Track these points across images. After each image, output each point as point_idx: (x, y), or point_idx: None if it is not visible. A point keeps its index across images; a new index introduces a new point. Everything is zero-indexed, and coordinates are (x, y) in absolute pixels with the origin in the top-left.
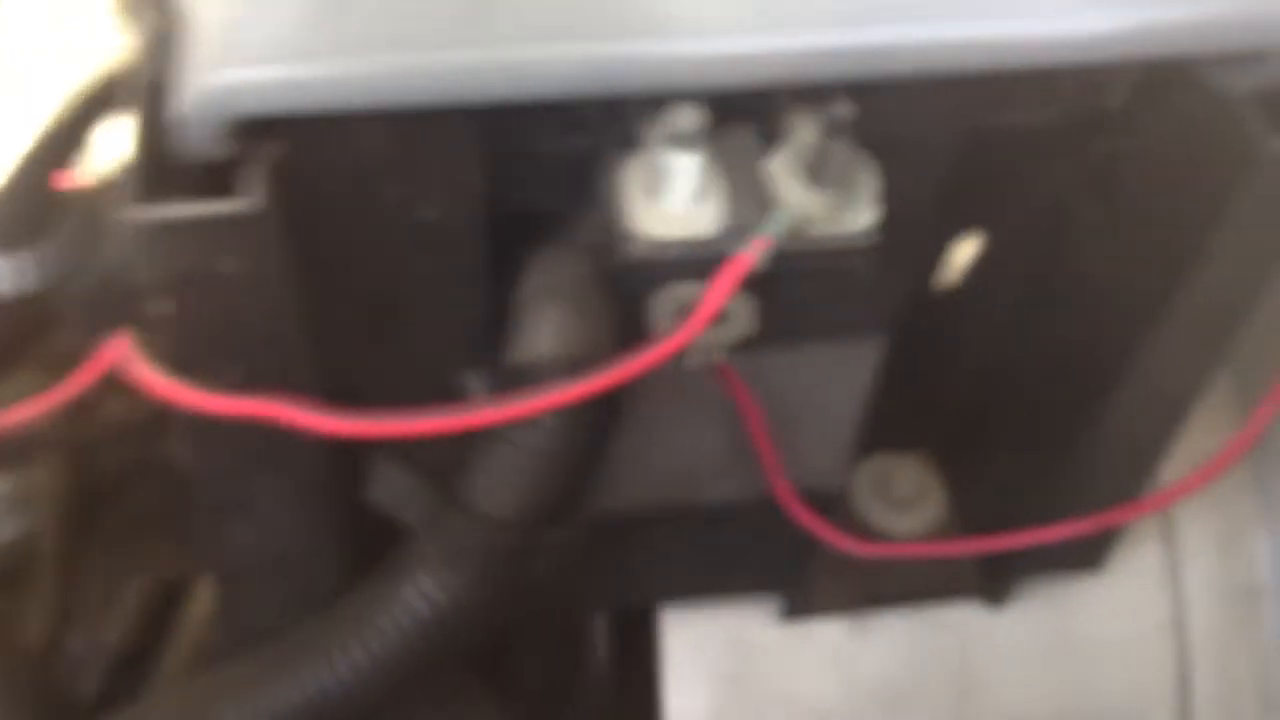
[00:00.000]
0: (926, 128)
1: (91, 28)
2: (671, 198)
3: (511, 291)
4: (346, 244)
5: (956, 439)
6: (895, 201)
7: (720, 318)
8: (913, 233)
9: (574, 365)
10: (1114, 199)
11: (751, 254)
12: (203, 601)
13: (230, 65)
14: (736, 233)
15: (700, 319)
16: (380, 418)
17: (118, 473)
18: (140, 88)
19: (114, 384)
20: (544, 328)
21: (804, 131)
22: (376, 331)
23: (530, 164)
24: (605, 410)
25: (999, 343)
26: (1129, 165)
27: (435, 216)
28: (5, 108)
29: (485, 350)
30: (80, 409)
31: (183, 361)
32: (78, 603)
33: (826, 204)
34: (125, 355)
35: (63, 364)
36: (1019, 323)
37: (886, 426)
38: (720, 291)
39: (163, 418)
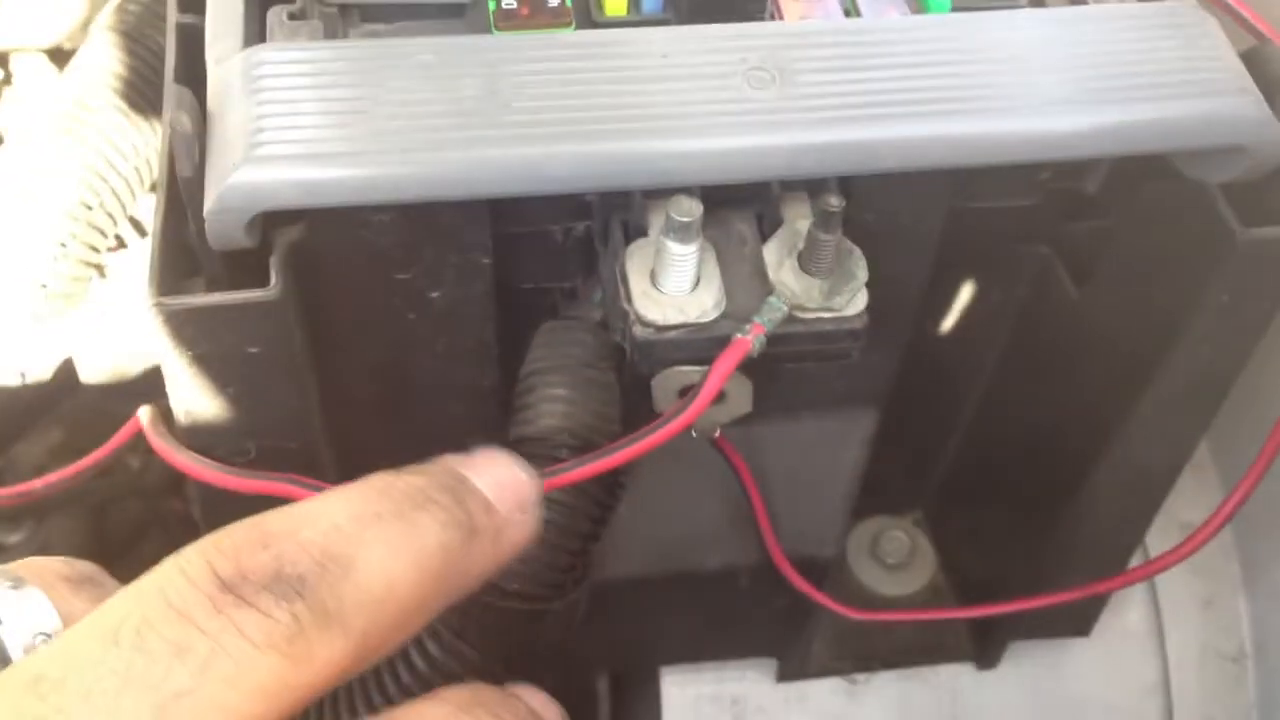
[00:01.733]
0: (913, 214)
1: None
2: (671, 284)
3: (519, 365)
4: (360, 324)
5: (947, 504)
6: (884, 284)
7: (719, 398)
8: (901, 313)
9: (579, 441)
10: (1091, 279)
11: (748, 341)
12: None
13: (253, 165)
14: (734, 318)
15: (700, 404)
16: None
17: (133, 527)
18: (164, 181)
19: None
20: (550, 403)
21: (797, 220)
22: (388, 406)
23: (538, 245)
24: (610, 484)
25: (986, 414)
26: (1106, 247)
27: (446, 297)
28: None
29: (493, 422)
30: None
31: (200, 438)
32: None
33: (819, 290)
34: (147, 426)
35: (85, 422)
36: (1003, 396)
37: (880, 490)
38: (718, 377)
39: (178, 474)
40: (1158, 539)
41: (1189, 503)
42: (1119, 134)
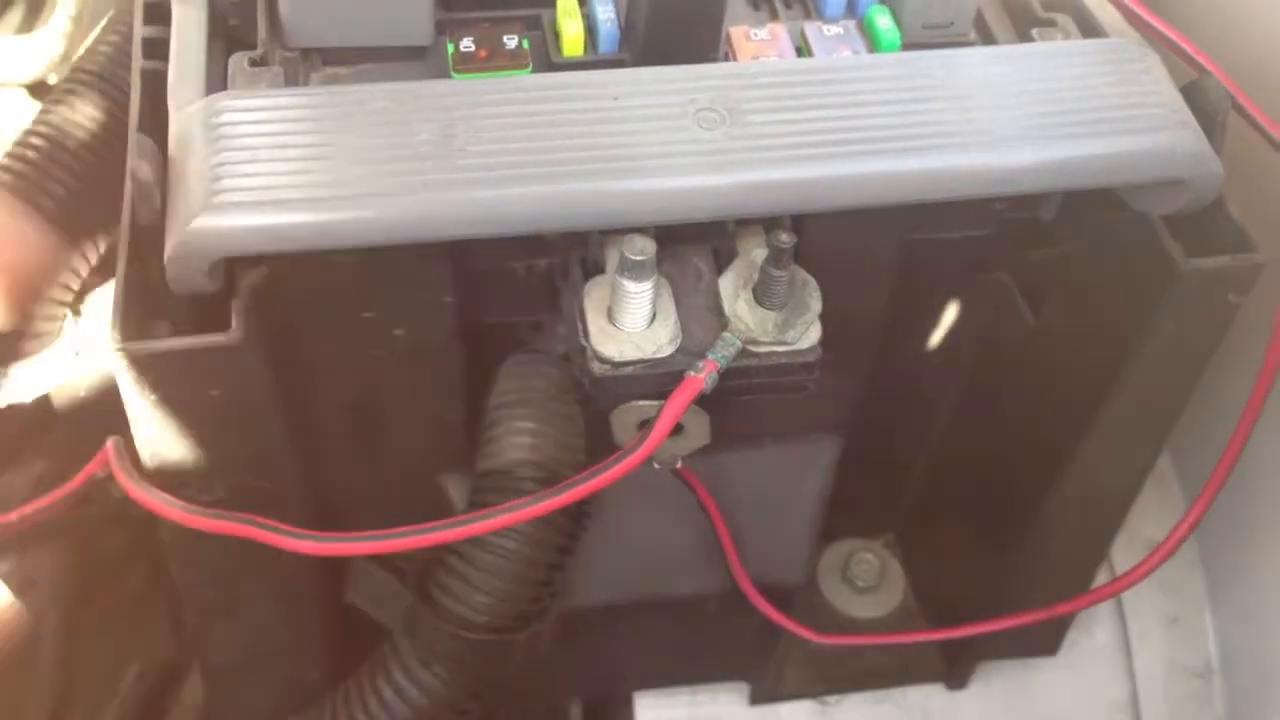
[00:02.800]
0: (867, 247)
1: None
2: (627, 320)
3: (486, 398)
4: (326, 362)
5: (917, 527)
6: (841, 315)
7: (677, 431)
8: (859, 342)
9: (545, 473)
10: (1047, 306)
11: (700, 378)
12: (198, 687)
13: (213, 211)
14: (689, 352)
15: (654, 441)
16: (354, 537)
17: (117, 557)
18: (127, 226)
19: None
20: (516, 436)
21: (752, 254)
22: (358, 442)
23: (501, 281)
24: (575, 515)
25: (952, 437)
26: (1060, 275)
27: (410, 334)
28: None
29: (461, 455)
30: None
31: (166, 478)
32: (77, 685)
33: (773, 323)
34: (114, 464)
35: (68, 453)
36: (968, 419)
37: (850, 513)
38: (673, 413)
39: None
40: (1124, 556)
41: (1154, 520)
42: (1061, 170)
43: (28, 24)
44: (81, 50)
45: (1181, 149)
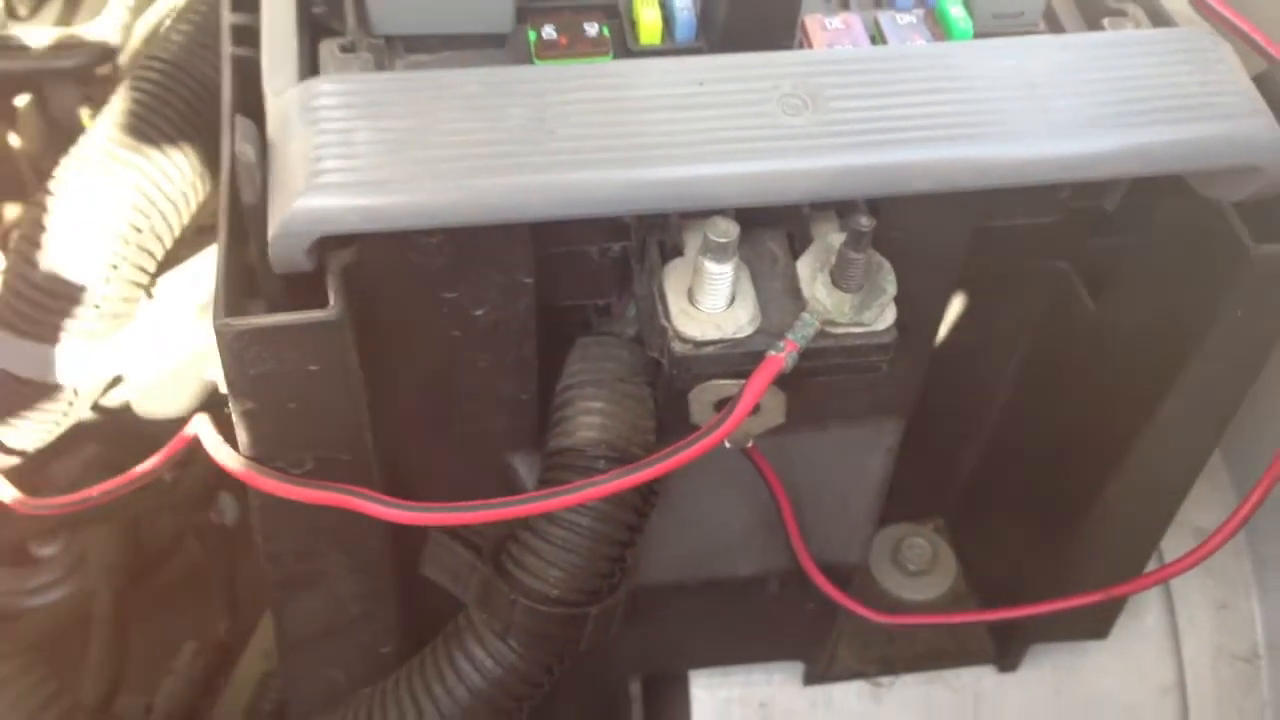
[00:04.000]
0: (940, 232)
1: None
2: (708, 302)
3: (556, 379)
4: (408, 341)
5: (968, 512)
6: (911, 299)
7: (754, 410)
8: (927, 326)
9: (615, 452)
10: (1108, 293)
11: (781, 357)
12: (251, 664)
13: (315, 192)
14: (768, 333)
15: (737, 417)
16: (442, 508)
17: (167, 538)
18: (227, 208)
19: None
20: (588, 415)
21: (829, 237)
22: (434, 418)
23: (575, 264)
24: (646, 493)
25: (1006, 423)
26: (1123, 262)
27: (490, 314)
28: None
29: (533, 433)
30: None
31: (260, 450)
32: (130, 664)
33: (850, 305)
34: (204, 437)
35: (119, 437)
36: (1024, 406)
37: (902, 498)
38: (754, 392)
39: (212, 484)
40: (1172, 543)
41: (1202, 508)
42: (1137, 156)
43: (66, 16)
44: (142, 39)
45: (1257, 135)
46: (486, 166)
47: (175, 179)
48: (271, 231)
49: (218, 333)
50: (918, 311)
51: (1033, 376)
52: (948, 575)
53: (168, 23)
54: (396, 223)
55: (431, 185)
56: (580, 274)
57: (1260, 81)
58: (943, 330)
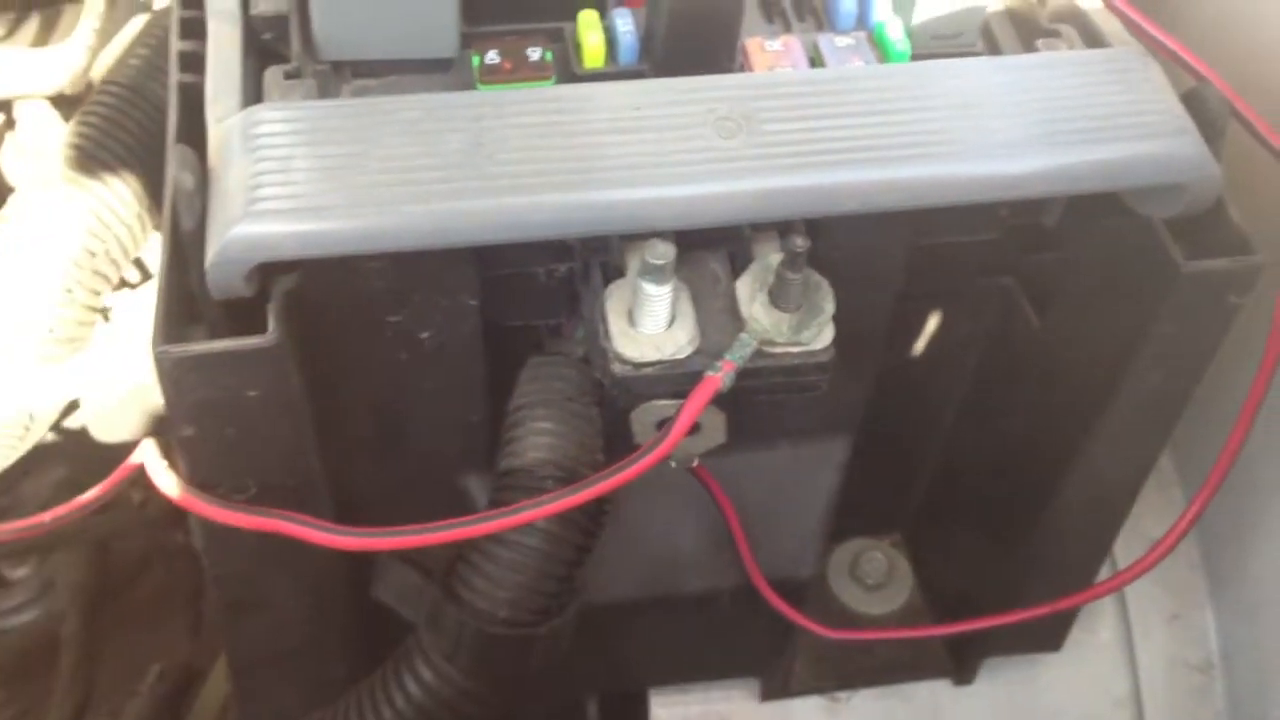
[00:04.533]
0: (878, 251)
1: None
2: (647, 323)
3: (507, 399)
4: (354, 365)
5: (925, 526)
6: (851, 317)
7: (694, 430)
8: (869, 343)
9: (564, 472)
10: (1051, 308)
11: (718, 378)
12: (217, 686)
13: (252, 219)
14: (707, 353)
15: (673, 438)
16: (384, 532)
17: (136, 559)
18: (168, 234)
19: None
20: (537, 436)
21: (769, 258)
22: (382, 442)
23: (522, 286)
24: (593, 513)
25: (958, 438)
26: (1064, 278)
27: (436, 337)
28: None
29: (483, 455)
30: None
31: (202, 477)
32: (98, 686)
33: (787, 325)
34: (149, 463)
35: (87, 458)
36: (974, 420)
37: (859, 513)
38: (691, 412)
39: (180, 507)
40: (1127, 554)
41: (1156, 518)
42: (1065, 175)
43: (43, 37)
44: (107, 63)
45: (1182, 154)
46: (425, 192)
47: (130, 203)
48: (209, 259)
49: (155, 360)
50: (858, 328)
51: (983, 390)
52: (904, 589)
53: (125, 47)
54: (333, 248)
55: (369, 211)
56: (527, 295)
57: (1188, 99)
58: (892, 346)
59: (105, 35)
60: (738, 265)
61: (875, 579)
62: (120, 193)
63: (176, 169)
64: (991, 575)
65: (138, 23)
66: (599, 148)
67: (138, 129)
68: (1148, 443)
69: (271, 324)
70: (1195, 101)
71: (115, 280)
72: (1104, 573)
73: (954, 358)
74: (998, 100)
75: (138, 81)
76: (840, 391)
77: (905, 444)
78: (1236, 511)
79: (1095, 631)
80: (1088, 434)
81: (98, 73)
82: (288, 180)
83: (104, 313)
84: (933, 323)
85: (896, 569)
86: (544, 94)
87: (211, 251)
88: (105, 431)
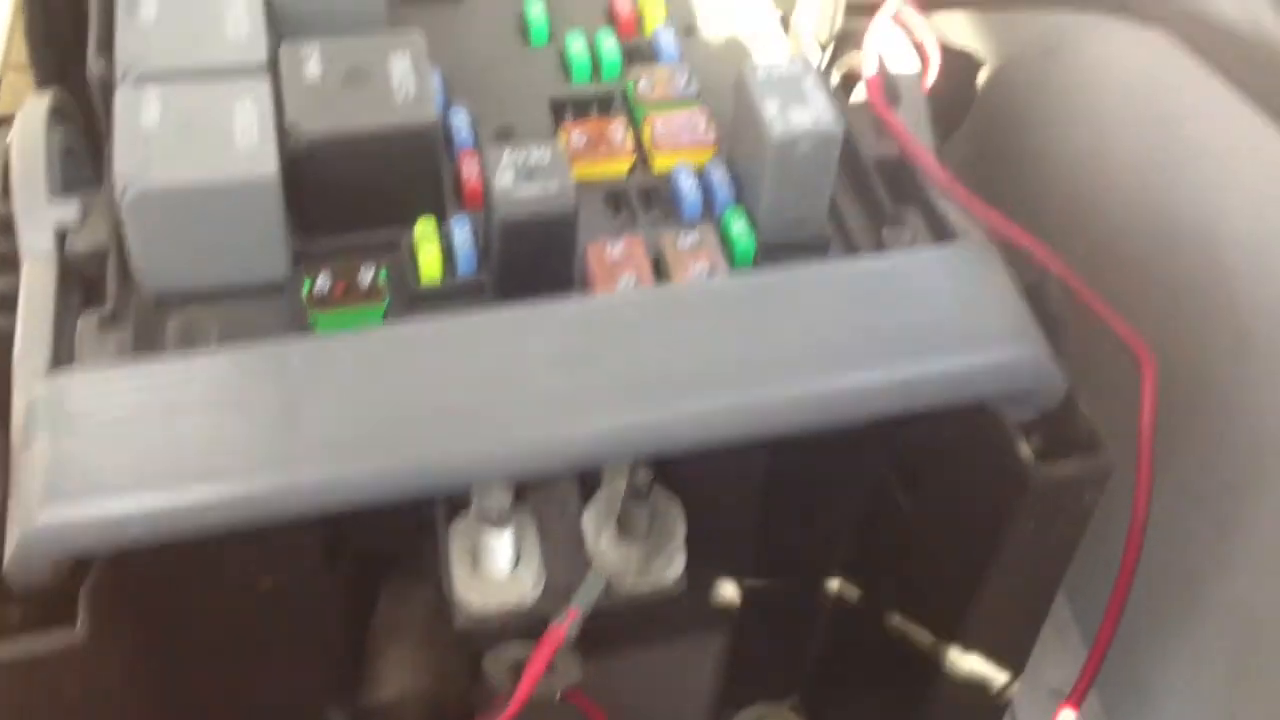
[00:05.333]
0: (732, 461)
1: None
2: (491, 566)
3: (368, 622)
4: (192, 618)
5: (822, 689)
6: (710, 534)
7: (549, 670)
8: (734, 551)
9: (428, 706)
10: (919, 493)
11: (562, 630)
12: None
13: (56, 505)
14: (554, 593)
15: (525, 688)
16: None
17: None
18: None
19: None
20: (397, 668)
21: (616, 483)
22: (236, 687)
23: (367, 523)
24: None
25: (845, 602)
26: (926, 463)
27: (278, 582)
28: None
29: (348, 683)
30: None
31: None
32: None
33: (636, 558)
34: None
35: None
36: (861, 586)
37: (758, 677)
38: (539, 663)
39: None
40: (1027, 706)
41: (1055, 666)
42: (905, 394)
43: None
44: None
45: (1023, 362)
46: (234, 466)
47: None
48: (8, 553)
49: None
50: (720, 538)
51: (864, 562)
52: None
53: None
54: (142, 537)
55: (175, 494)
56: (378, 524)
57: (1031, 293)
58: (771, 525)
59: None
60: (588, 485)
61: None
62: None
63: None
64: None
65: None
66: (425, 398)
67: None
68: (1019, 628)
69: (82, 615)
70: (1038, 295)
71: None
72: None
73: (833, 534)
74: (836, 314)
75: None
76: (705, 602)
77: (797, 609)
78: (1135, 672)
79: None
80: (959, 619)
81: None
82: (93, 463)
83: None
84: (806, 505)
85: None
86: (367, 340)
87: (11, 543)
88: None
